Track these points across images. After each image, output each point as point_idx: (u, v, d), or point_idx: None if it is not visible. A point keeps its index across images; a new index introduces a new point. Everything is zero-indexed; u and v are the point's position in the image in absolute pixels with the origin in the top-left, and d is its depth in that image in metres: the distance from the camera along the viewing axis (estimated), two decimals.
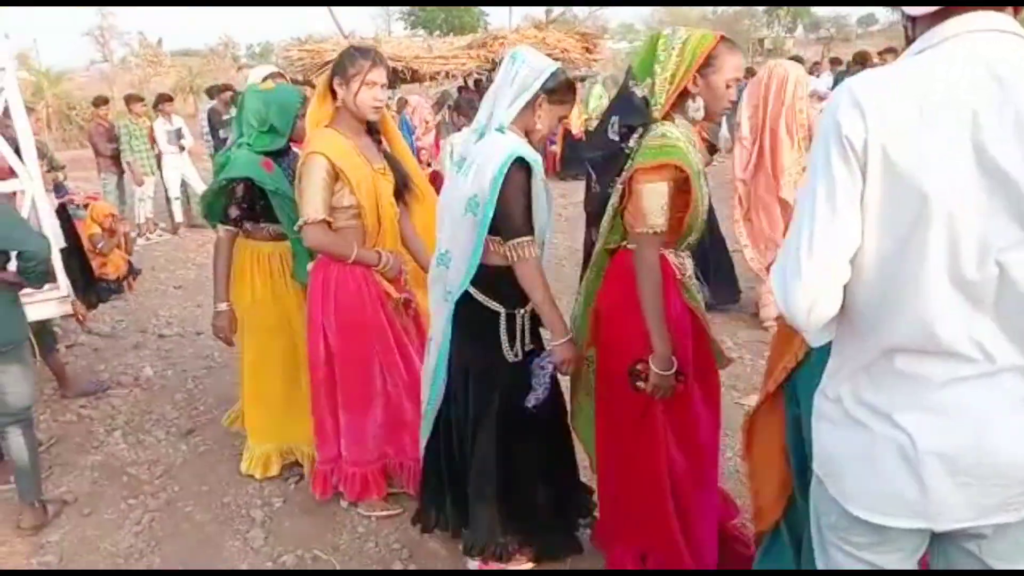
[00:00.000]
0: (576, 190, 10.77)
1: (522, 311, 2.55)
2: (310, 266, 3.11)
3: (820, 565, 1.61)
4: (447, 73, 13.77)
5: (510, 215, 2.40)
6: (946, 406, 1.31)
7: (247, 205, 3.28)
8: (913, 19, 1.35)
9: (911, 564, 1.49)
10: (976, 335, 1.28)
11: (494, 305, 2.53)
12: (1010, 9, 1.28)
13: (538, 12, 18.25)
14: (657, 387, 2.32)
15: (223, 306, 3.42)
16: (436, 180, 12.49)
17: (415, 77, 14.47)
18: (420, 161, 12.11)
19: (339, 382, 3.07)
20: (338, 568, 2.93)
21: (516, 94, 2.44)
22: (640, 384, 2.36)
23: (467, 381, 2.63)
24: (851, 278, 1.32)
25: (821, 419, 1.49)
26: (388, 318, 3.06)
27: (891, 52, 10.61)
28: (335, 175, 2.84)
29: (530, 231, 2.44)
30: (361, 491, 3.20)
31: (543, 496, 2.72)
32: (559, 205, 7.81)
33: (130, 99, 9.81)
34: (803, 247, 1.30)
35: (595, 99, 13.40)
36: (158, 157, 9.80)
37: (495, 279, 2.50)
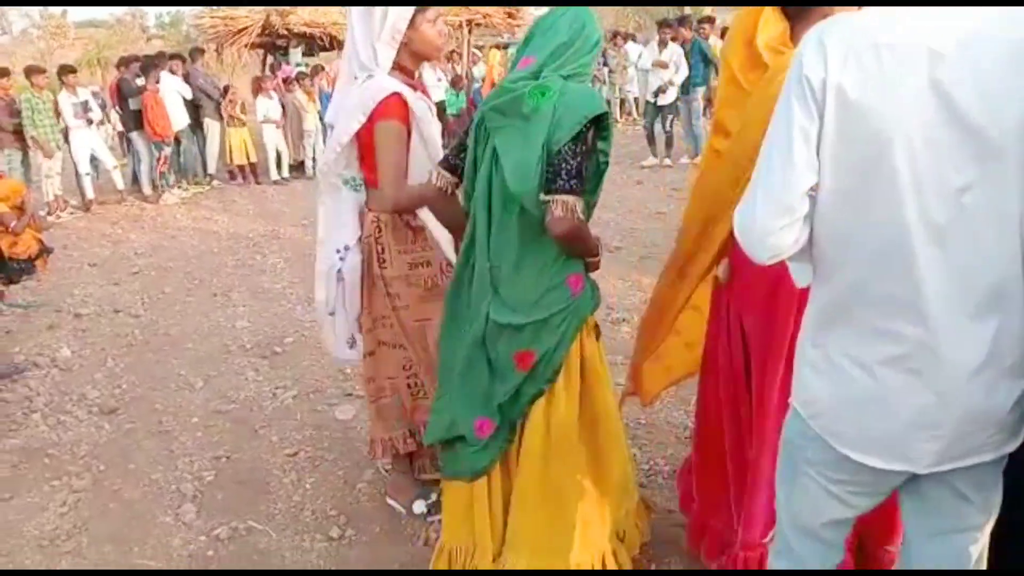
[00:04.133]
0: None
1: None
2: None
3: (784, 489, 1.66)
4: None
5: None
6: (917, 364, 1.35)
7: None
8: None
9: (877, 500, 1.56)
10: (936, 285, 1.31)
11: None
12: None
13: None
14: None
15: None
16: None
17: (334, 44, 14.15)
18: None
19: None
20: (274, 536, 2.91)
21: None
22: None
23: None
24: (815, 216, 1.39)
25: (804, 364, 1.54)
26: None
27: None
28: None
29: None
30: None
31: None
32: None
33: (30, 71, 9.27)
34: (760, 184, 1.39)
35: None
36: (65, 131, 9.38)
37: None
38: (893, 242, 1.31)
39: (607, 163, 2.19)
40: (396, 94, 2.44)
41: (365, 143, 2.53)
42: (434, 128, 2.59)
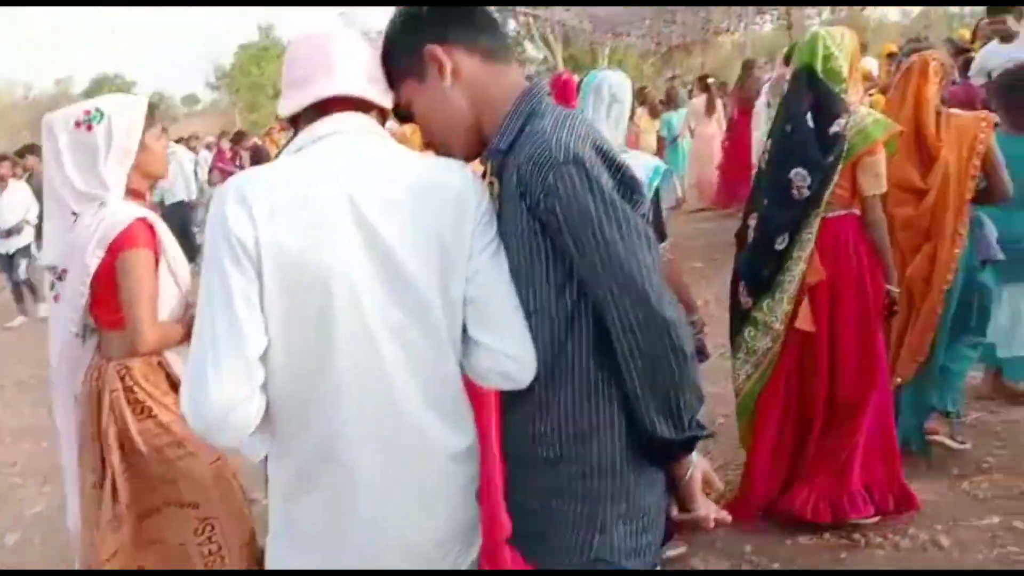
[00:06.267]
0: None
1: None
2: None
3: None
4: None
5: None
6: (386, 513, 1.37)
7: None
8: (296, 119, 1.43)
9: None
10: (390, 429, 1.34)
11: None
12: (375, 112, 1.44)
13: None
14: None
15: None
16: None
17: None
18: None
19: None
20: None
21: None
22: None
23: None
24: (269, 381, 1.32)
25: (274, 542, 1.48)
26: None
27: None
28: None
29: None
30: None
31: None
32: None
33: None
34: (208, 357, 1.27)
35: None
36: None
37: None
38: (351, 394, 1.32)
39: None
40: (141, 219, 2.25)
41: (103, 281, 2.25)
42: (181, 254, 2.41)
